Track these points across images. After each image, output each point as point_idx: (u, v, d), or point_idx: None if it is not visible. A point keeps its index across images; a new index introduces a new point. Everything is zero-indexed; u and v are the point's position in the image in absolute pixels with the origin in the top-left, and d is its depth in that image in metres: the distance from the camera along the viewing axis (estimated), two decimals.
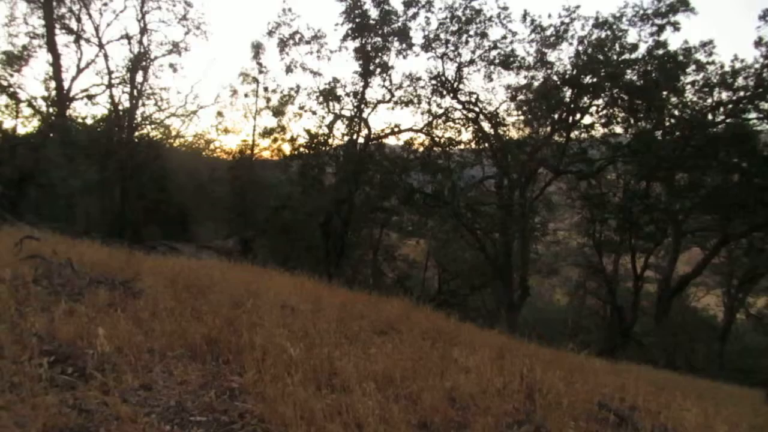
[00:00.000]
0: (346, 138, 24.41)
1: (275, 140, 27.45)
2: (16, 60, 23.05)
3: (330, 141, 24.57)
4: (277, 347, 4.08)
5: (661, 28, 19.99)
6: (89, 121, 25.85)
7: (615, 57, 20.44)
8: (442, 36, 21.97)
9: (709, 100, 21.19)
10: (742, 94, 20.26)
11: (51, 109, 24.14)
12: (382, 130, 24.56)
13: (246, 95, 28.95)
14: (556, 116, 22.67)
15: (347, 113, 24.00)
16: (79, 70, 24.72)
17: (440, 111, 23.67)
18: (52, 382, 3.10)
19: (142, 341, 3.93)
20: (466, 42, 22.00)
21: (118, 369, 3.41)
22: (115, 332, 3.89)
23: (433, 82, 23.09)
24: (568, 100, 21.89)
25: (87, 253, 7.59)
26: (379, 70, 22.95)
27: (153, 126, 27.99)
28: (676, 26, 19.93)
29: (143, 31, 25.26)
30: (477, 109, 23.52)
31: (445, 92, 23.22)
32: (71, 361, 3.44)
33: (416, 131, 24.26)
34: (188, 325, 4.42)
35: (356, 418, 3.10)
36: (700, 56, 20.59)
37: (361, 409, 3.17)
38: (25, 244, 6.94)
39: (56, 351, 3.50)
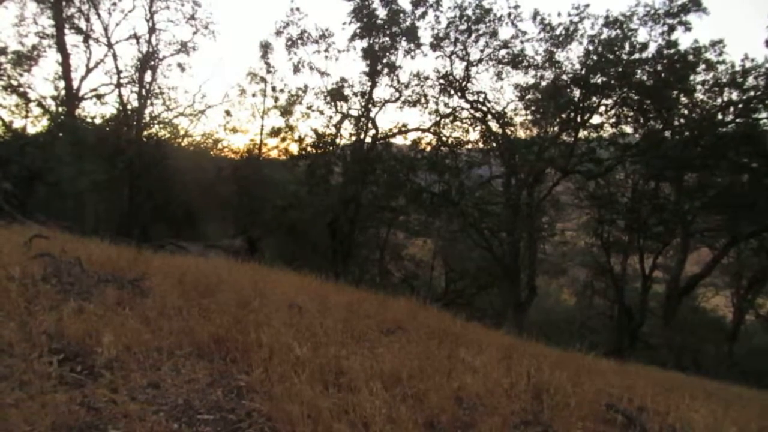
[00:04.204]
0: (353, 137, 24.47)
1: (283, 140, 27.52)
2: (26, 60, 23.23)
3: (337, 140, 24.63)
4: (284, 346, 4.09)
5: (672, 28, 19.89)
6: (98, 121, 26.05)
7: (625, 56, 20.36)
8: (451, 35, 21.99)
9: (719, 100, 21.08)
10: (752, 93, 20.13)
11: (60, 109, 24.30)
12: (390, 130, 24.62)
13: (254, 95, 29.04)
14: (564, 116, 22.60)
15: (355, 113, 24.07)
16: (88, 70, 24.93)
17: (448, 110, 23.70)
18: (61, 380, 3.12)
19: (150, 340, 3.94)
20: (476, 41, 22.01)
21: (127, 367, 3.43)
22: (123, 331, 3.91)
23: (441, 81, 23.09)
24: (576, 99, 21.82)
25: (95, 251, 7.62)
26: (386, 69, 22.98)
27: (161, 125, 28.16)
28: (687, 26, 19.82)
29: (152, 30, 25.40)
30: (485, 109, 23.49)
31: (452, 91, 23.20)
32: (80, 359, 3.46)
33: (424, 131, 24.30)
34: (196, 324, 4.43)
35: (363, 418, 3.10)
36: (710, 56, 20.50)
37: (368, 408, 3.17)
38: (34, 242, 6.99)
39: (65, 349, 3.52)
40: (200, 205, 28.46)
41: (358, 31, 22.44)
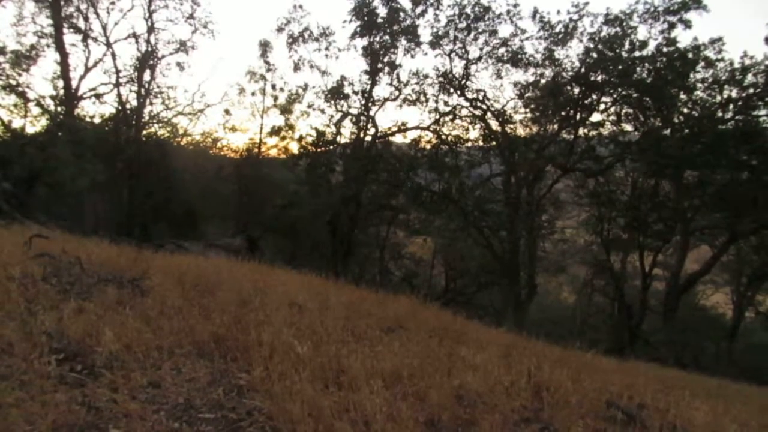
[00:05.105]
0: (353, 136, 24.46)
1: (283, 138, 27.53)
2: (25, 59, 23.17)
3: (338, 139, 24.63)
4: (284, 345, 4.08)
5: (672, 26, 19.92)
6: (97, 120, 26.02)
7: (625, 54, 20.36)
8: (451, 33, 21.99)
9: (719, 98, 21.10)
10: (751, 91, 20.15)
11: (59, 108, 24.25)
12: (390, 128, 24.59)
13: (253, 93, 29.06)
14: (564, 113, 22.60)
15: (355, 111, 24.05)
16: (87, 69, 24.91)
17: (447, 109, 23.68)
18: (61, 379, 3.12)
19: (150, 339, 3.94)
20: (475, 39, 22.01)
21: (127, 366, 3.42)
22: (123, 330, 3.91)
23: (441, 79, 23.09)
24: (576, 97, 21.82)
25: (95, 251, 7.62)
26: (387, 68, 22.97)
27: (160, 125, 28.17)
28: (687, 24, 19.83)
29: (150, 29, 25.38)
30: (484, 107, 23.52)
31: (452, 90, 23.20)
32: (80, 358, 3.46)
33: (423, 129, 24.27)
34: (196, 323, 4.43)
35: (364, 416, 3.10)
36: (710, 53, 20.54)
37: (368, 406, 3.17)
38: (34, 242, 6.98)
39: (65, 349, 3.52)
40: (200, 205, 28.49)
41: (358, 29, 22.44)
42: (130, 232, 22.83)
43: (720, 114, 21.16)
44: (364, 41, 22.70)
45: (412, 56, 22.90)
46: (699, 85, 21.06)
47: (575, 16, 20.80)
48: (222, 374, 3.67)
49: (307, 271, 10.65)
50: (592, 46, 20.81)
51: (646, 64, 20.26)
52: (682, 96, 21.12)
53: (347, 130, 24.64)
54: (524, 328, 12.62)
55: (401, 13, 21.95)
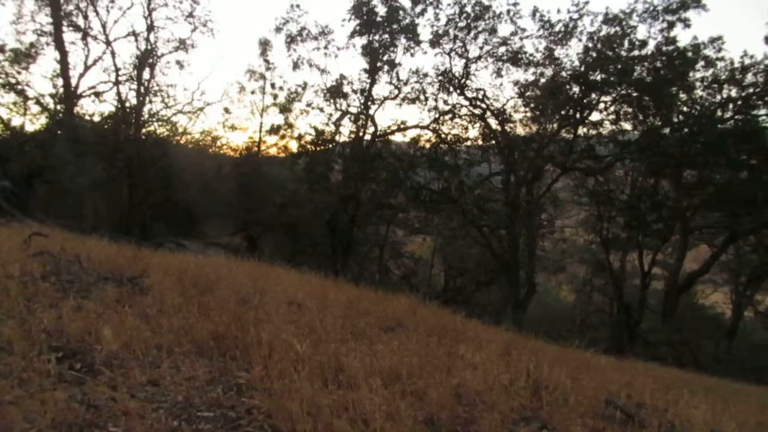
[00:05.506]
0: (352, 135, 24.47)
1: (282, 137, 27.53)
2: (24, 57, 23.18)
3: (337, 138, 24.64)
4: (283, 343, 4.08)
5: (671, 25, 19.91)
6: (96, 119, 26.03)
7: (624, 53, 20.36)
8: (451, 32, 21.99)
9: (718, 97, 21.12)
10: (751, 90, 20.16)
11: (58, 107, 24.25)
12: (389, 127, 24.62)
13: (253, 92, 29.10)
14: (563, 113, 22.60)
15: (354, 110, 24.07)
16: (87, 68, 24.91)
17: (447, 107, 23.69)
18: (60, 377, 3.12)
19: (149, 337, 3.94)
20: (475, 38, 22.01)
21: (126, 365, 3.42)
22: (122, 328, 3.91)
23: (440, 78, 23.10)
24: (576, 96, 21.82)
25: (95, 249, 7.62)
26: (386, 67, 22.98)
27: (160, 123, 28.14)
28: (686, 23, 19.83)
29: (150, 28, 25.37)
30: (484, 106, 23.52)
31: (452, 89, 23.21)
32: (79, 356, 3.46)
33: (423, 128, 24.28)
34: (195, 322, 4.42)
35: (363, 414, 3.10)
36: (709, 52, 20.55)
37: (367, 404, 3.16)
38: (34, 240, 6.98)
39: (65, 347, 3.52)
40: (199, 203, 28.48)
41: (357, 28, 22.47)
42: (129, 230, 22.82)
43: (720, 113, 21.17)
44: (364, 40, 22.76)
45: (412, 55, 22.99)
46: (698, 84, 21.10)
47: (575, 15, 20.83)
48: (221, 373, 3.66)
49: (306, 270, 10.63)
50: (591, 45, 20.83)
51: (646, 63, 20.27)
52: (682, 95, 21.13)
53: (346, 129, 24.72)
54: (523, 327, 12.63)
55: (401, 12, 21.98)
